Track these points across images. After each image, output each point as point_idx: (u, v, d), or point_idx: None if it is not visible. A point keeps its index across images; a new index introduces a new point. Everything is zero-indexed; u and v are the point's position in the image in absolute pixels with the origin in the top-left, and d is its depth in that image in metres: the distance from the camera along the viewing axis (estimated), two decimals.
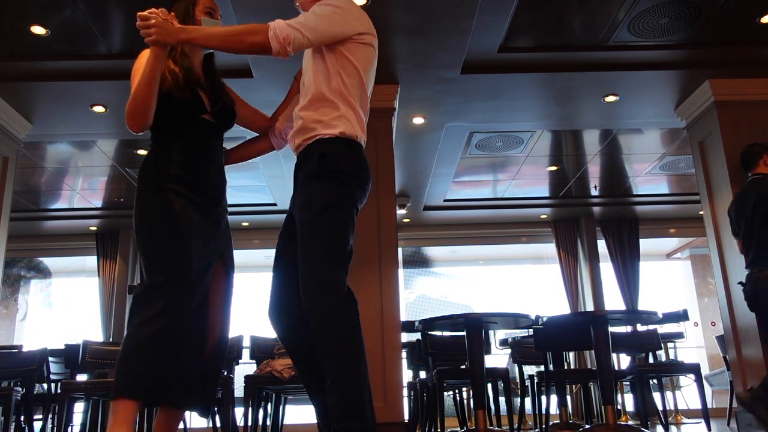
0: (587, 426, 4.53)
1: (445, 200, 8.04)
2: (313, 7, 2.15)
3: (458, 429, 4.99)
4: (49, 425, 4.85)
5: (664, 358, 6.54)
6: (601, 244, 8.75)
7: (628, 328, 6.48)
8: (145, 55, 2.10)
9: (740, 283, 4.29)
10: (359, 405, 1.92)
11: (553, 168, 7.24)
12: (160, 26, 1.98)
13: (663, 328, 6.32)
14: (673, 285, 10.69)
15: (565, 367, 5.57)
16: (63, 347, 5.32)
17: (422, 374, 5.07)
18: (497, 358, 7.49)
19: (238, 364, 4.81)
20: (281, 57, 2.05)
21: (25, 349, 5.14)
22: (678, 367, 5.15)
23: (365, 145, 2.21)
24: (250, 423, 4.11)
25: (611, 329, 4.08)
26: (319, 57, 2.17)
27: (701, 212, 5.49)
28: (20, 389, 4.36)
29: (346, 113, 2.12)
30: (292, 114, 2.28)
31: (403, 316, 5.35)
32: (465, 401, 5.55)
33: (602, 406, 3.88)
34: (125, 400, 1.90)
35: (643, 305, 8.62)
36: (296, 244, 2.10)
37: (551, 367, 4.89)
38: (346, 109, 2.13)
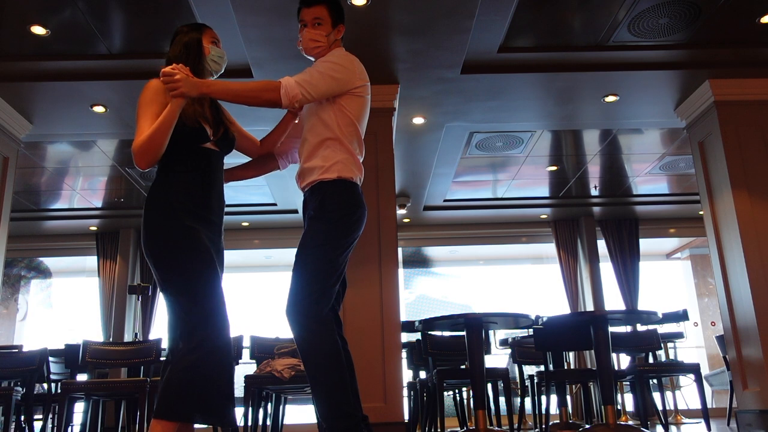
0: (587, 426, 4.53)
1: (445, 200, 8.04)
2: (318, 64, 2.43)
3: (458, 429, 4.99)
4: (49, 425, 4.85)
5: (664, 358, 6.54)
6: (601, 244, 8.75)
7: (628, 328, 6.48)
8: (152, 86, 2.24)
9: None
10: (338, 408, 2.21)
11: (553, 168, 7.24)
12: (185, 81, 2.16)
13: (663, 328, 6.32)
14: (673, 285, 10.68)
15: (565, 367, 5.57)
16: (63, 347, 5.32)
17: (422, 374, 5.07)
18: (497, 358, 7.49)
19: (238, 364, 4.81)
20: (287, 109, 2.42)
21: (25, 349, 5.14)
22: (678, 367, 5.15)
23: (362, 179, 2.51)
24: (250, 423, 4.11)
25: (611, 329, 4.08)
26: (320, 108, 2.44)
27: (701, 212, 5.49)
28: (20, 389, 4.36)
29: (342, 158, 2.41)
30: (297, 141, 2.56)
31: (403, 316, 5.36)
32: (465, 401, 5.55)
33: (602, 406, 3.88)
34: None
35: (643, 305, 8.62)
36: None
37: (551, 367, 4.89)
38: (343, 154, 2.41)
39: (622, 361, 6.23)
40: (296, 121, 2.59)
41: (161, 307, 7.82)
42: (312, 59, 2.55)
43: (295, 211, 7.90)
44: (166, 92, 2.20)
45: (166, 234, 2.18)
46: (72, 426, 4.91)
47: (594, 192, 8.00)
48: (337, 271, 2.37)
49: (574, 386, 6.88)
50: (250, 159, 2.65)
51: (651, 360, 5.60)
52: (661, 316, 4.12)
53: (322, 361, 2.22)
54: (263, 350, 4.52)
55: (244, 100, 2.28)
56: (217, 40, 2.43)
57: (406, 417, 4.79)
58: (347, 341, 2.40)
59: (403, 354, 5.14)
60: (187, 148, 2.26)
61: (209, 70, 2.39)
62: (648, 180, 7.64)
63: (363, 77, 2.49)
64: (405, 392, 4.99)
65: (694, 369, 4.72)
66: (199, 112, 2.30)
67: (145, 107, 2.20)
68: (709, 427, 4.53)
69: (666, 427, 4.91)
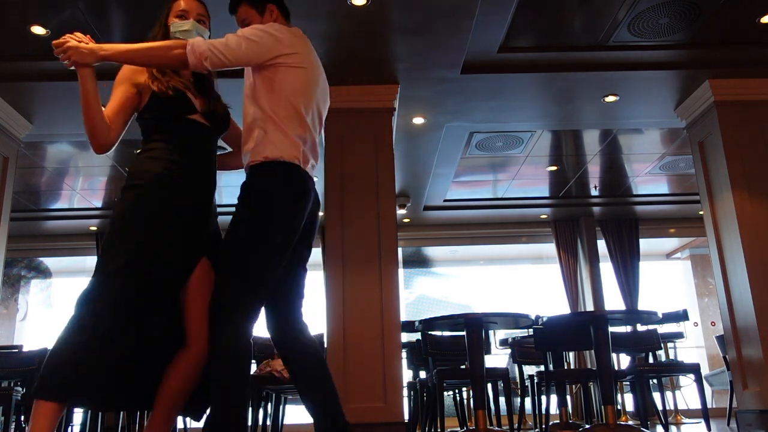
0: (587, 426, 4.53)
1: (445, 200, 8.04)
2: (240, 29, 2.22)
3: (458, 429, 4.99)
4: None
5: (664, 358, 6.54)
6: (601, 244, 8.75)
7: (628, 328, 6.48)
8: (122, 69, 2.17)
9: None
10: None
11: (553, 168, 7.24)
12: (75, 48, 2.04)
13: (663, 328, 6.31)
14: (673, 285, 10.68)
15: (565, 367, 5.57)
16: None
17: (422, 374, 5.07)
18: (497, 358, 7.48)
19: None
20: (199, 71, 2.16)
21: (25, 349, 5.14)
22: (678, 367, 5.15)
23: (309, 161, 2.24)
24: (250, 423, 4.11)
25: (611, 329, 4.08)
26: (247, 85, 2.25)
27: (701, 212, 5.49)
28: (20, 389, 4.36)
29: (273, 138, 2.16)
30: None
31: (403, 316, 5.36)
32: (465, 401, 5.55)
33: (602, 406, 3.89)
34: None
35: (643, 305, 8.62)
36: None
37: (551, 367, 4.89)
38: (275, 134, 2.16)
39: (622, 361, 6.22)
40: None
41: None
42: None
43: None
44: (140, 71, 2.14)
45: (126, 205, 2.07)
46: (72, 426, 4.91)
47: (594, 192, 8.00)
48: (272, 273, 2.11)
49: (574, 386, 6.88)
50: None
51: (651, 360, 5.60)
52: (661, 316, 4.12)
53: (225, 395, 1.98)
54: (263, 350, 4.51)
55: (147, 60, 2.10)
56: (185, 12, 2.27)
57: (406, 417, 4.79)
58: (320, 348, 2.27)
59: (403, 354, 5.14)
60: (169, 120, 2.17)
61: None
62: (648, 180, 7.64)
63: (295, 46, 2.23)
64: (405, 392, 4.99)
65: (694, 369, 4.72)
66: (179, 83, 2.18)
67: (114, 88, 2.15)
68: (709, 427, 4.52)
69: (666, 427, 4.91)
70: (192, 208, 2.15)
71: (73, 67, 2.08)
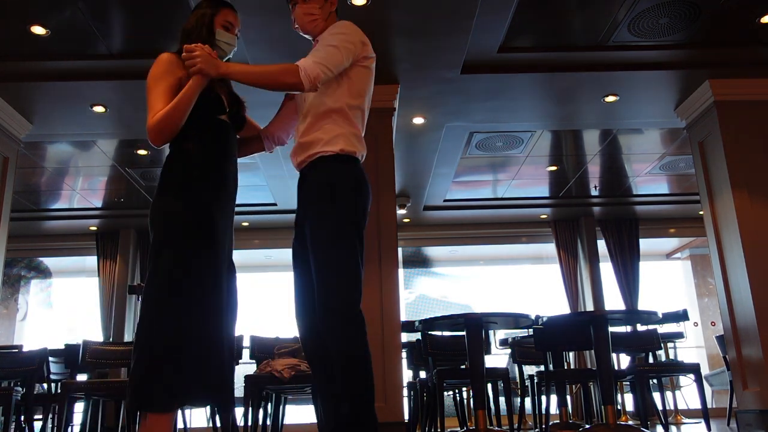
0: (587, 426, 4.53)
1: (445, 200, 8.04)
2: (328, 38, 2.27)
3: (458, 429, 4.99)
4: (49, 425, 4.85)
5: (664, 358, 6.54)
6: (601, 244, 8.75)
7: (628, 328, 6.48)
8: (163, 60, 2.20)
9: None
10: (365, 414, 2.06)
11: (553, 168, 7.24)
12: (205, 59, 2.12)
13: (663, 328, 6.31)
14: (673, 285, 10.68)
15: (565, 367, 5.57)
16: (63, 347, 5.32)
17: (422, 374, 5.07)
18: (497, 358, 7.49)
19: (238, 364, 4.81)
20: (312, 91, 2.22)
21: (25, 349, 5.14)
22: (678, 367, 5.15)
23: (364, 156, 2.35)
24: (250, 423, 4.11)
25: (611, 329, 4.08)
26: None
27: (701, 212, 5.49)
28: (20, 389, 4.36)
29: (346, 131, 2.25)
30: (286, 122, 2.45)
31: (403, 316, 5.36)
32: (465, 401, 5.54)
33: (602, 406, 3.88)
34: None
35: (643, 305, 8.62)
36: (308, 254, 2.23)
37: (551, 367, 4.88)
38: (347, 128, 2.26)
39: (622, 361, 6.22)
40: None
41: None
42: (310, 38, 2.44)
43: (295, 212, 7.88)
44: (179, 65, 2.17)
45: (169, 205, 2.12)
46: (72, 426, 4.90)
47: (594, 192, 8.00)
48: (363, 257, 2.24)
49: (574, 386, 6.88)
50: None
51: (651, 360, 5.60)
52: (661, 316, 4.11)
53: (362, 375, 2.07)
54: (263, 350, 4.51)
55: (263, 84, 2.18)
56: (231, 25, 2.34)
57: (406, 417, 4.79)
58: None
59: (403, 354, 5.13)
60: (203, 119, 2.22)
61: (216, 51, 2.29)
62: (648, 180, 7.64)
63: (370, 50, 2.35)
64: (405, 392, 4.98)
65: (694, 369, 4.72)
66: (219, 85, 2.28)
67: (157, 81, 2.16)
68: (709, 427, 4.52)
69: (666, 427, 4.91)
70: (227, 201, 2.24)
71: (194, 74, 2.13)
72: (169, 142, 2.16)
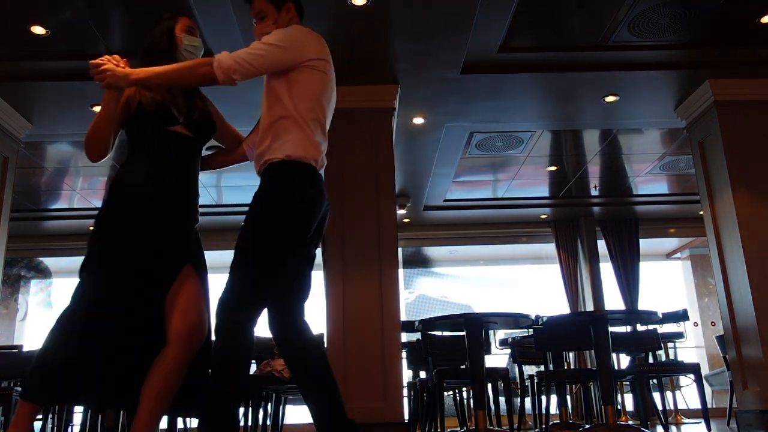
0: (587, 426, 4.53)
1: (445, 200, 8.04)
2: (265, 36, 2.23)
3: (458, 429, 4.99)
4: (49, 425, 4.85)
5: (664, 358, 6.54)
6: (601, 244, 8.75)
7: (628, 328, 6.48)
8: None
9: None
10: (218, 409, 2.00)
11: (553, 168, 7.24)
12: (111, 71, 2.12)
13: (663, 328, 6.31)
14: (673, 285, 10.68)
15: (565, 367, 5.57)
16: None
17: (422, 374, 5.07)
18: (497, 358, 7.49)
19: None
20: (230, 85, 2.16)
21: (25, 349, 5.14)
22: (678, 367, 5.15)
23: (323, 165, 2.28)
24: (250, 423, 4.11)
25: (611, 329, 4.08)
26: (271, 84, 2.24)
27: (701, 212, 5.49)
28: (20, 389, 4.36)
29: (294, 137, 2.17)
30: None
31: (403, 316, 5.35)
32: (465, 401, 5.55)
33: (602, 406, 3.88)
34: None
35: (643, 305, 8.62)
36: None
37: (551, 367, 4.89)
38: (296, 133, 2.17)
39: (622, 361, 6.22)
40: None
41: None
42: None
43: None
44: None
45: (103, 215, 2.18)
46: (72, 426, 4.91)
47: (594, 192, 8.00)
48: (284, 273, 2.15)
49: (574, 386, 6.88)
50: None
51: (651, 360, 5.60)
52: (661, 316, 4.12)
53: (225, 389, 2.00)
54: (263, 350, 4.51)
55: (180, 81, 2.17)
56: (192, 28, 2.36)
57: (406, 417, 4.79)
58: (322, 346, 2.27)
59: (403, 354, 5.13)
60: (152, 131, 2.22)
61: (185, 59, 2.30)
62: (648, 180, 7.64)
63: (320, 52, 2.27)
64: (405, 392, 4.98)
65: (694, 369, 4.72)
66: (168, 99, 2.23)
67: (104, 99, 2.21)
68: (709, 427, 4.52)
69: (666, 427, 4.91)
70: (173, 218, 2.20)
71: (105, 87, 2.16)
72: (102, 156, 2.20)
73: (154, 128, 2.22)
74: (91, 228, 2.19)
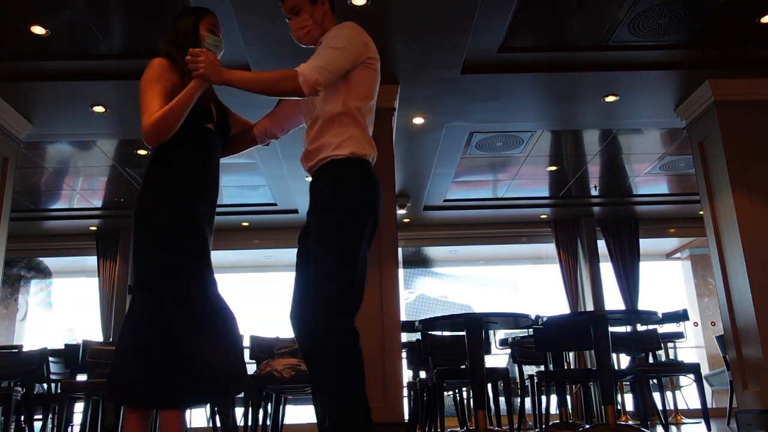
0: (587, 426, 4.53)
1: (445, 200, 8.04)
2: (329, 40, 2.27)
3: (458, 429, 4.99)
4: (49, 425, 4.85)
5: (664, 358, 6.54)
6: (601, 244, 8.75)
7: (628, 328, 6.48)
8: (156, 64, 2.23)
9: None
10: (353, 410, 2.06)
11: (553, 168, 7.24)
12: (208, 64, 2.13)
13: (663, 328, 6.31)
14: (673, 285, 10.68)
15: (565, 367, 5.57)
16: (63, 347, 5.32)
17: (422, 374, 5.07)
18: (497, 358, 7.49)
19: None
20: (312, 96, 2.20)
21: (25, 349, 5.14)
22: (678, 367, 5.15)
23: (375, 158, 2.32)
24: (250, 423, 4.11)
25: (611, 329, 4.08)
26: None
27: (701, 212, 5.49)
28: (20, 389, 4.36)
29: (355, 134, 2.23)
30: (282, 119, 2.47)
31: (403, 316, 5.36)
32: (465, 401, 5.55)
33: (602, 406, 3.88)
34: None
35: (643, 305, 8.62)
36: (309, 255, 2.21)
37: (551, 367, 4.89)
38: (355, 130, 2.24)
39: (622, 361, 6.22)
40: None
41: None
42: (313, 47, 2.42)
43: (296, 211, 7.89)
44: (171, 71, 2.20)
45: (154, 212, 2.17)
46: (72, 426, 4.91)
47: (594, 192, 8.00)
48: (363, 265, 2.20)
49: (574, 386, 6.88)
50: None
51: (651, 360, 5.60)
52: (661, 316, 4.12)
53: (350, 389, 2.07)
54: (263, 350, 4.52)
55: (263, 90, 2.19)
56: (215, 27, 2.38)
57: (406, 417, 4.79)
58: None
59: (403, 354, 5.13)
60: (191, 126, 2.23)
61: None
62: (648, 180, 7.64)
63: (375, 50, 2.34)
64: (405, 392, 4.98)
65: (694, 369, 4.72)
66: (209, 96, 2.30)
67: (151, 84, 2.19)
68: (709, 427, 4.52)
69: (666, 427, 4.91)
70: (209, 212, 2.25)
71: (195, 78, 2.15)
72: (163, 142, 2.17)
73: (193, 123, 2.23)
74: (140, 231, 2.18)
